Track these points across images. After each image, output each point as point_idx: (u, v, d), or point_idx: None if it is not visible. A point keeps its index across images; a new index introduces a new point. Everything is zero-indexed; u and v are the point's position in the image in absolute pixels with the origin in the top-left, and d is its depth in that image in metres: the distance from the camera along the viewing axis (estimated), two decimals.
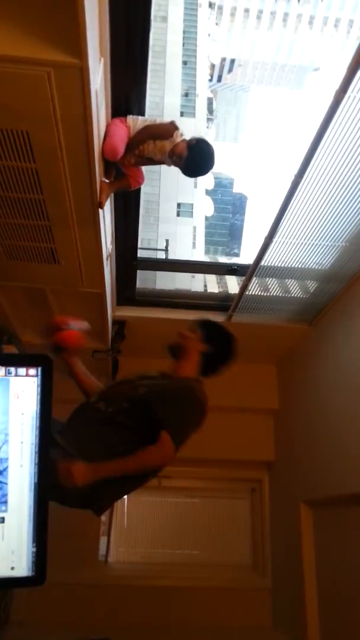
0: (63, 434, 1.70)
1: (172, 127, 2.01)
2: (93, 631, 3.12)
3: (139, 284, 3.39)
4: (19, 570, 0.88)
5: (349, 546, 2.82)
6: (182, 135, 2.02)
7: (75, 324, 1.96)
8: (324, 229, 2.46)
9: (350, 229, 2.42)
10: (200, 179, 29.12)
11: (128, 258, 3.06)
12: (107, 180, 1.98)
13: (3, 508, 0.89)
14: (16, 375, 0.88)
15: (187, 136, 2.05)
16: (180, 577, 3.93)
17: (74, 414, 1.91)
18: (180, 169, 2.06)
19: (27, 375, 0.89)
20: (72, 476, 1.43)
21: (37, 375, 0.89)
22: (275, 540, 3.94)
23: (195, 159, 2.03)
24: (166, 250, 18.66)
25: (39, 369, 0.89)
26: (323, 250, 2.65)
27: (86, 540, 3.91)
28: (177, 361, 2.02)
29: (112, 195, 2.38)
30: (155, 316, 3.46)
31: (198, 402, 1.91)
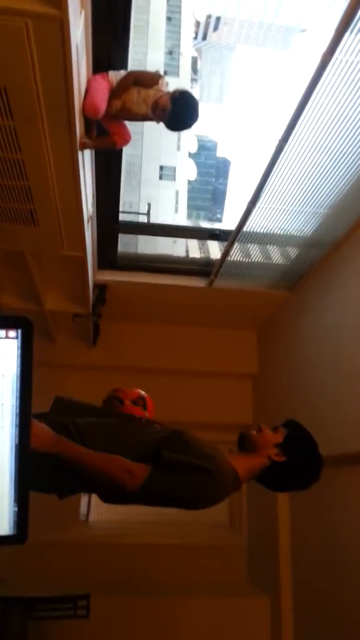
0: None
1: (156, 75, 1.95)
2: (74, 587, 3.21)
3: (120, 248, 3.36)
4: (0, 529, 0.90)
5: (323, 506, 2.92)
6: (167, 84, 1.96)
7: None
8: (307, 195, 2.45)
9: (333, 195, 2.41)
10: (183, 141, 28.62)
11: (109, 221, 3.02)
12: (88, 141, 1.93)
13: None
14: None
15: (171, 89, 1.99)
16: (158, 535, 4.04)
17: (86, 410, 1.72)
18: (164, 122, 1.99)
19: (6, 337, 0.88)
20: (31, 435, 1.32)
21: (17, 338, 0.88)
22: (252, 499, 4.06)
23: (180, 111, 1.96)
24: (148, 214, 18.38)
25: (19, 331, 0.88)
26: (305, 217, 2.65)
27: (67, 500, 3.97)
28: (239, 451, 1.66)
29: (93, 156, 2.33)
30: (136, 280, 3.45)
31: (208, 478, 1.46)
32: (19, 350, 0.88)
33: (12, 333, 0.87)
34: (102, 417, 1.68)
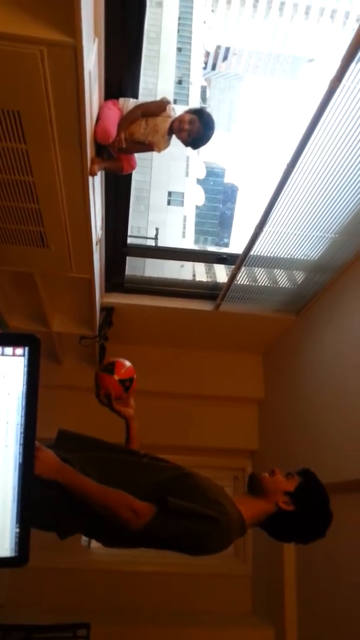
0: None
1: (163, 102, 1.99)
2: (74, 615, 3.14)
3: (128, 271, 3.38)
4: (2, 550, 0.88)
5: (329, 533, 2.86)
6: (173, 109, 2.00)
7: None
8: (314, 220, 2.46)
9: (340, 220, 2.42)
10: (192, 168, 29.02)
11: (118, 244, 3.04)
12: (98, 159, 1.96)
13: None
14: (2, 354, 0.87)
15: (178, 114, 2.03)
16: (161, 563, 3.96)
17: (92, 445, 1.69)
18: (195, 134, 2.01)
19: (13, 355, 0.88)
20: (36, 459, 1.29)
21: (24, 355, 0.88)
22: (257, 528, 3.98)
23: (207, 121, 1.99)
24: (156, 238, 18.57)
25: (26, 348, 0.88)
26: (312, 241, 2.66)
27: None
28: (247, 494, 1.61)
29: (103, 181, 2.36)
30: (143, 303, 3.46)
31: (214, 526, 1.41)
32: (26, 368, 0.88)
33: (19, 351, 0.87)
34: (107, 451, 1.65)
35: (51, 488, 1.33)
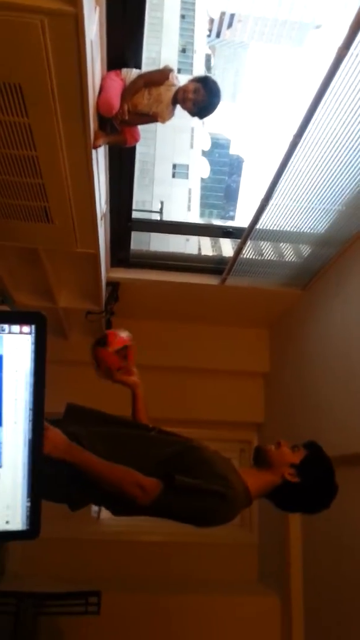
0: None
1: (166, 71, 1.94)
2: (85, 584, 3.22)
3: (133, 246, 3.36)
4: (13, 524, 0.91)
5: (335, 505, 2.90)
6: (177, 78, 1.95)
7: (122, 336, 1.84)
8: (320, 192, 2.43)
9: (347, 192, 2.39)
10: (196, 139, 28.58)
11: (122, 219, 3.02)
12: (101, 133, 1.93)
13: None
14: (10, 332, 0.88)
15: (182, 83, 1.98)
16: (169, 533, 4.03)
17: (100, 418, 1.71)
18: (196, 111, 1.97)
19: (20, 332, 0.88)
20: (44, 438, 1.31)
21: (31, 333, 0.89)
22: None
23: (212, 89, 1.94)
24: (161, 212, 18.48)
25: (33, 326, 0.89)
26: (319, 214, 2.63)
27: None
28: (253, 466, 1.63)
29: (107, 154, 2.33)
30: (149, 278, 3.45)
31: (220, 501, 1.44)
32: (33, 346, 0.88)
33: (25, 329, 0.88)
34: (115, 426, 1.67)
35: (61, 464, 1.35)
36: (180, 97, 1.94)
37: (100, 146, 1.93)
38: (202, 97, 1.94)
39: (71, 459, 1.36)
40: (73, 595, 3.09)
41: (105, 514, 4.20)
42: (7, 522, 0.91)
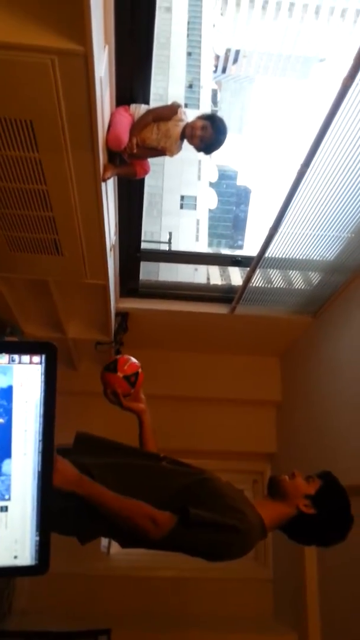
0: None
1: (174, 107, 1.98)
2: (95, 621, 3.14)
3: (142, 276, 3.38)
4: (22, 559, 0.89)
5: (351, 537, 2.82)
6: (185, 113, 2.00)
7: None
8: (329, 219, 2.44)
9: (356, 219, 2.40)
10: (204, 171, 29.02)
11: (131, 250, 3.05)
12: (110, 166, 1.96)
13: (6, 497, 0.88)
14: (20, 362, 0.88)
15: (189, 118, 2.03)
16: (181, 568, 3.94)
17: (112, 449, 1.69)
18: (207, 141, 2.01)
19: (31, 362, 0.88)
20: (54, 470, 1.28)
21: (41, 363, 0.88)
22: (277, 532, 3.94)
23: (219, 128, 1.99)
24: (169, 242, 18.65)
25: (43, 356, 0.88)
26: (328, 242, 2.64)
27: None
28: (267, 497, 1.59)
29: (116, 186, 2.37)
30: (158, 308, 3.46)
31: (236, 535, 1.40)
32: (43, 376, 0.88)
33: (36, 359, 0.88)
34: (126, 456, 1.64)
35: (70, 497, 1.32)
36: (188, 134, 1.99)
37: (109, 178, 1.97)
38: (210, 135, 1.99)
39: (81, 491, 1.33)
40: (82, 634, 3.01)
41: (115, 549, 4.11)
42: (15, 557, 0.89)
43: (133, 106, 1.99)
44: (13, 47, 1.32)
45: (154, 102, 2.13)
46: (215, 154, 2.10)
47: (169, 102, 2.03)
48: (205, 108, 28.99)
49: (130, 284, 3.36)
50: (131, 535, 1.42)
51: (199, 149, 2.04)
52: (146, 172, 2.18)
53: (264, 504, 1.55)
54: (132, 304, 3.45)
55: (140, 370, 1.85)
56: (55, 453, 1.31)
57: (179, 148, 2.05)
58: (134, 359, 1.87)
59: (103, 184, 1.92)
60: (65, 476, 1.31)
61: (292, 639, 3.43)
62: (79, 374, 3.98)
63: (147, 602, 3.74)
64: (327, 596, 3.17)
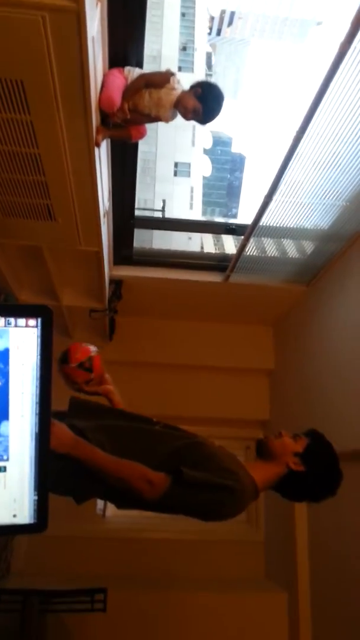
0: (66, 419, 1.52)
1: (167, 74, 1.94)
2: (91, 582, 3.23)
3: (135, 244, 3.36)
4: (21, 517, 0.91)
5: (341, 502, 2.89)
6: (178, 81, 1.95)
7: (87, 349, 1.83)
8: (324, 187, 2.43)
9: (351, 188, 2.38)
10: (198, 137, 28.55)
11: (125, 217, 3.02)
12: (104, 128, 1.93)
13: (5, 457, 0.90)
14: (16, 325, 0.88)
15: (184, 85, 1.98)
16: (175, 531, 4.04)
17: (104, 413, 1.71)
18: (198, 121, 2.00)
19: (27, 326, 0.88)
20: (51, 435, 1.31)
21: (37, 326, 0.89)
22: (269, 494, 4.03)
23: (212, 105, 1.96)
24: (163, 210, 18.47)
25: (39, 319, 0.89)
26: (322, 210, 2.63)
27: None
28: (257, 459, 1.63)
29: (109, 152, 2.33)
30: (152, 276, 3.45)
31: (229, 495, 1.44)
32: (39, 339, 0.88)
33: (32, 322, 0.88)
34: (120, 419, 1.66)
35: (66, 457, 1.35)
36: (181, 110, 1.96)
37: (102, 141, 1.93)
38: (201, 117, 1.97)
39: (77, 454, 1.36)
40: (79, 592, 3.09)
41: (110, 511, 4.20)
42: (14, 516, 0.91)
43: (127, 69, 1.94)
44: (2, 2, 1.28)
45: (147, 64, 2.08)
46: None
47: (163, 65, 1.99)
48: (200, 71, 28.32)
49: (124, 252, 3.34)
50: (126, 496, 1.45)
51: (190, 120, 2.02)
52: (142, 135, 2.14)
53: (255, 466, 1.58)
54: (126, 271, 3.44)
55: (93, 353, 1.84)
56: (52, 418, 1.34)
57: (174, 116, 2.02)
58: (85, 344, 1.86)
59: (96, 149, 1.89)
60: (60, 439, 1.33)
61: (282, 598, 3.55)
62: (74, 341, 3.98)
63: (141, 563, 3.84)
64: (316, 558, 3.27)
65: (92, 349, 1.85)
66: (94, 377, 1.82)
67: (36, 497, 0.91)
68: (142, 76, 1.94)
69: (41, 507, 0.91)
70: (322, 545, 3.20)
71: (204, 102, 1.95)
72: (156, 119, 2.02)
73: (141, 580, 3.72)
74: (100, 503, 4.18)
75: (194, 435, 1.61)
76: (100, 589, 3.10)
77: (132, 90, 1.92)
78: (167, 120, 2.01)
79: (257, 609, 3.62)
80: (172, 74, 1.96)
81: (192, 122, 2.06)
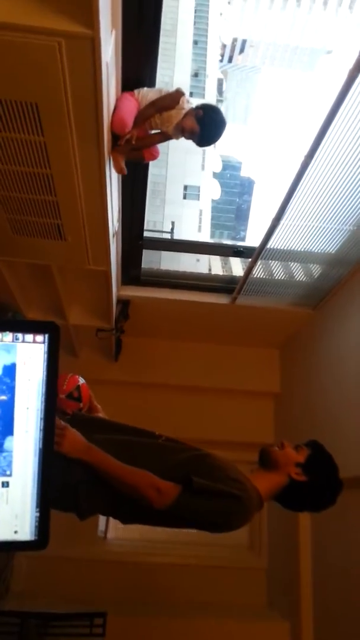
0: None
1: (177, 95, 1.98)
2: (90, 604, 3.18)
3: (144, 264, 3.39)
4: (22, 534, 0.90)
5: (346, 529, 2.85)
6: (188, 101, 1.99)
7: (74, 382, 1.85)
8: (331, 212, 2.44)
9: (358, 212, 2.40)
10: (208, 161, 28.91)
11: (134, 237, 3.05)
12: (118, 149, 1.96)
13: (8, 472, 0.90)
14: (23, 341, 0.89)
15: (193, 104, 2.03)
16: (177, 555, 3.99)
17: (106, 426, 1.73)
18: (195, 142, 2.04)
19: (34, 341, 0.89)
20: (63, 439, 1.34)
21: (44, 342, 0.90)
22: (272, 521, 3.99)
23: (208, 129, 2.00)
24: (172, 232, 18.60)
25: (46, 335, 0.90)
26: (330, 234, 2.64)
27: None
28: (260, 469, 1.66)
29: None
30: (159, 296, 3.47)
31: (237, 503, 1.46)
32: (46, 355, 0.89)
33: (39, 338, 0.89)
34: (123, 433, 1.67)
35: (71, 472, 1.36)
36: (178, 128, 2.01)
37: (125, 169, 1.97)
38: (197, 139, 2.02)
39: (89, 459, 1.39)
40: (78, 616, 3.05)
41: (112, 533, 4.15)
42: (15, 532, 0.90)
43: (137, 90, 1.99)
44: (20, 29, 1.32)
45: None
46: (219, 144, 2.11)
47: (173, 89, 2.03)
48: (211, 97, 28.85)
49: (132, 272, 3.36)
50: (132, 510, 1.46)
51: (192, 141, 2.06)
52: (154, 157, 2.18)
53: (258, 476, 1.61)
54: (133, 291, 3.46)
55: (80, 382, 1.86)
56: (64, 423, 1.36)
57: (179, 134, 2.06)
58: (72, 375, 1.89)
59: (107, 170, 1.92)
60: (74, 444, 1.37)
61: (284, 627, 3.48)
62: (80, 360, 4.00)
63: (142, 587, 3.78)
64: (320, 586, 3.21)
65: (80, 378, 1.87)
66: (83, 406, 1.85)
67: (38, 514, 0.91)
68: (153, 104, 1.97)
69: (43, 524, 0.91)
70: (325, 573, 3.14)
71: (202, 125, 1.99)
72: (166, 135, 2.06)
73: (141, 605, 3.66)
74: (101, 525, 4.13)
75: (197, 449, 1.63)
76: (99, 612, 3.05)
77: (143, 118, 1.96)
78: (176, 136, 2.05)
79: (259, 638, 3.54)
80: (182, 94, 2.00)
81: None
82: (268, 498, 1.60)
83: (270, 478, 1.60)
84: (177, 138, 2.06)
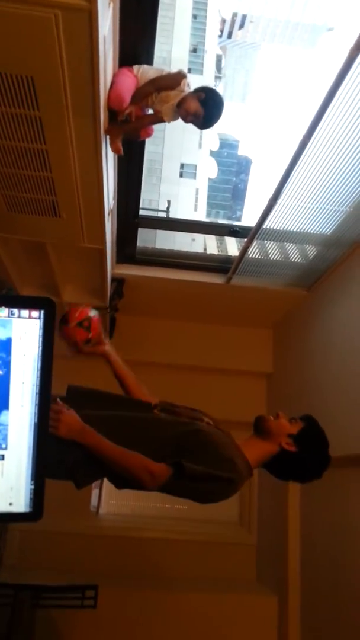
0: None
1: (179, 77, 1.95)
2: (82, 578, 3.24)
3: (139, 243, 3.38)
4: (17, 506, 0.92)
5: (333, 507, 2.91)
6: (188, 84, 1.97)
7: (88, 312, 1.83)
8: (329, 193, 2.44)
9: (355, 194, 2.40)
10: (205, 139, 28.59)
11: (129, 216, 3.03)
12: (112, 125, 1.94)
13: (3, 446, 0.92)
14: (19, 317, 0.89)
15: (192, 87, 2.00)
16: (168, 530, 4.05)
17: (105, 399, 1.76)
18: (197, 126, 2.02)
19: (30, 317, 0.90)
20: (59, 421, 1.37)
21: (39, 318, 0.90)
22: (262, 498, 4.06)
23: (212, 111, 1.98)
24: (167, 211, 18.49)
25: (42, 311, 0.90)
26: (326, 215, 2.64)
27: (78, 492, 4.01)
28: (253, 436, 1.69)
29: None
30: (154, 275, 3.46)
31: (227, 485, 1.52)
32: (41, 331, 0.90)
33: (35, 313, 0.89)
34: (117, 407, 1.69)
35: (67, 450, 1.39)
36: (182, 113, 1.97)
37: (112, 131, 1.94)
38: (200, 121, 1.99)
39: (84, 441, 1.42)
40: (70, 588, 3.10)
41: (104, 508, 4.21)
42: (10, 504, 0.92)
43: (136, 67, 1.95)
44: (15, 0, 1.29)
45: (157, 65, 2.08)
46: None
47: (173, 67, 2.00)
48: (209, 73, 28.37)
49: (127, 250, 3.35)
50: (126, 480, 1.50)
51: (194, 124, 2.04)
52: (149, 134, 2.16)
53: (250, 443, 1.66)
54: (128, 270, 3.45)
55: (92, 314, 1.85)
56: (62, 402, 1.38)
57: (175, 117, 2.03)
58: (84, 307, 1.87)
59: (103, 147, 1.90)
60: (69, 426, 1.39)
61: (272, 601, 3.57)
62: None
63: (133, 561, 3.85)
64: (308, 562, 3.28)
65: (92, 311, 1.87)
66: (92, 337, 1.83)
67: (33, 486, 0.92)
68: (153, 82, 1.94)
69: (37, 496, 0.93)
70: (313, 549, 3.21)
71: (206, 107, 1.96)
72: (158, 116, 2.03)
73: (132, 579, 3.73)
74: (94, 500, 4.19)
75: (192, 422, 1.66)
76: (91, 585, 3.11)
77: (142, 95, 1.94)
78: (168, 117, 2.02)
79: (247, 611, 3.63)
80: (184, 77, 1.97)
81: None
82: (257, 466, 1.66)
83: (262, 446, 1.65)
84: (169, 121, 2.03)
